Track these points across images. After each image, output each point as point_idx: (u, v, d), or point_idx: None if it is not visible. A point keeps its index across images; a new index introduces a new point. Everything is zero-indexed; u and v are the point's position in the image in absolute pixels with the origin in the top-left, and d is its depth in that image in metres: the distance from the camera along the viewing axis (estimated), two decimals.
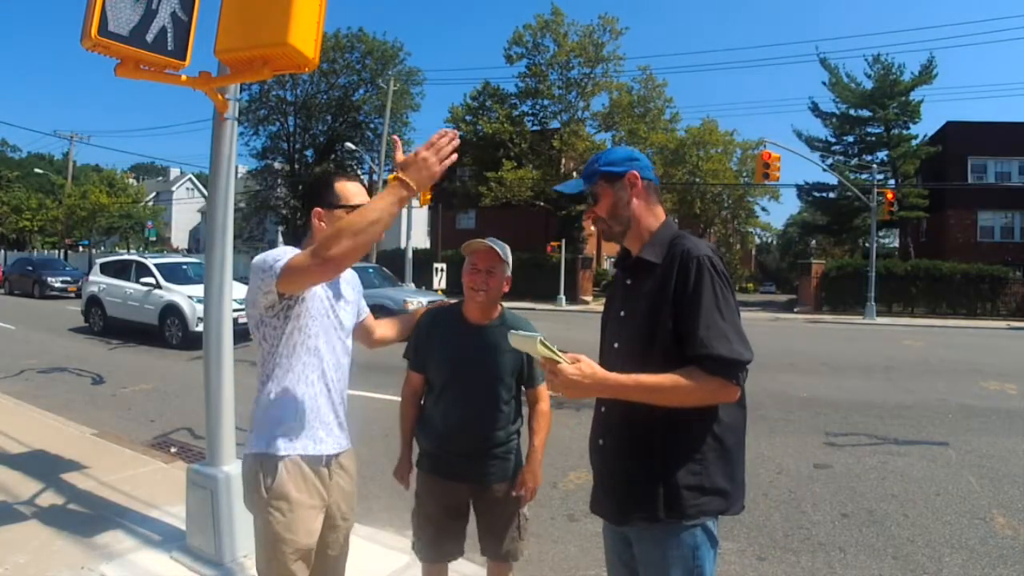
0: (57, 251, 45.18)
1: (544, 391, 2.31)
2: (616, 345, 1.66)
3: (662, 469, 1.52)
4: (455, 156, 1.63)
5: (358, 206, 1.84)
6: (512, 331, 1.51)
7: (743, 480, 1.61)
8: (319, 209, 1.92)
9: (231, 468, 3.00)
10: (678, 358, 1.48)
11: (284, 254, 1.76)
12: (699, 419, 1.51)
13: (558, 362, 1.45)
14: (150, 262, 12.59)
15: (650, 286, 1.57)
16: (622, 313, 1.67)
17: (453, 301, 2.36)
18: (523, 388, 2.31)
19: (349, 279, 2.10)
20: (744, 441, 1.61)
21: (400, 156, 1.64)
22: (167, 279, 11.90)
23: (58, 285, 22.92)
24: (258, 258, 1.83)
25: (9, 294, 24.28)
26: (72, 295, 22.06)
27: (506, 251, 2.22)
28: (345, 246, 1.54)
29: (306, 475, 1.89)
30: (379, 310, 7.11)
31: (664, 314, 1.51)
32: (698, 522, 1.52)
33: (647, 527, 1.56)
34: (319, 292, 1.90)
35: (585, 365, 1.46)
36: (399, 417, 2.35)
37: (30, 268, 24.46)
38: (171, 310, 11.43)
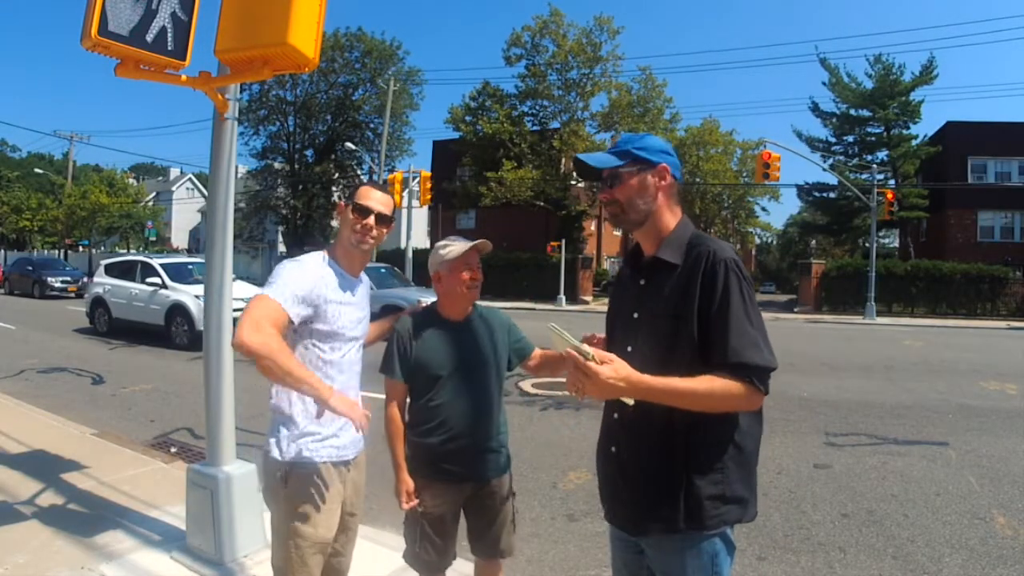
0: (57, 251, 45.16)
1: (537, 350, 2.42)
2: (630, 348, 1.59)
3: (684, 478, 1.48)
4: (361, 424, 1.86)
5: (367, 207, 1.98)
6: (553, 324, 1.50)
7: (756, 486, 1.58)
8: (342, 203, 2.04)
9: (231, 468, 3.01)
10: (701, 362, 1.44)
11: (270, 282, 1.87)
12: (720, 425, 1.48)
13: (587, 361, 1.40)
14: (156, 262, 12.30)
15: (670, 288, 1.52)
16: (636, 315, 1.60)
17: (425, 303, 2.37)
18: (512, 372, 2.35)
19: (364, 285, 2.14)
20: (759, 445, 1.57)
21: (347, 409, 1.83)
22: (173, 279, 11.80)
23: (58, 285, 22.68)
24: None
25: (9, 294, 24.01)
26: (72, 295, 21.99)
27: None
28: (263, 362, 1.70)
29: (329, 473, 1.94)
30: (392, 310, 7.10)
31: (688, 318, 1.47)
32: (718, 531, 1.49)
33: (665, 537, 1.52)
34: (337, 304, 1.93)
35: (619, 366, 1.41)
36: (389, 433, 2.23)
37: (30, 268, 24.14)
38: (177, 310, 11.33)
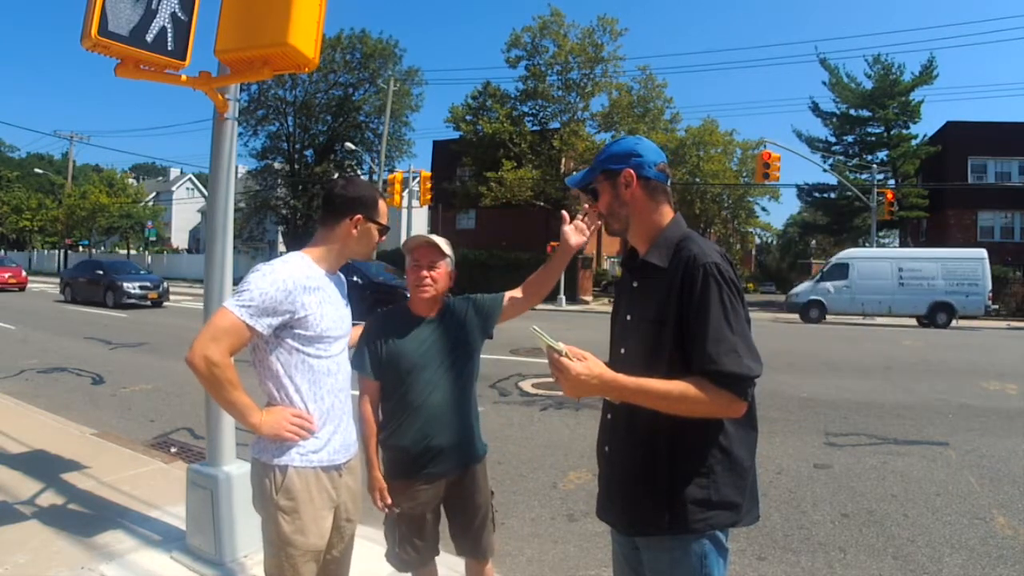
0: (57, 251, 45.21)
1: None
2: (623, 350, 1.60)
3: (667, 482, 1.48)
4: (296, 437, 1.87)
5: (387, 226, 2.07)
6: (535, 327, 1.53)
7: (756, 491, 1.56)
8: (360, 217, 1.99)
9: (231, 468, 3.00)
10: (683, 367, 1.43)
11: (238, 291, 1.84)
12: (705, 430, 1.47)
13: (560, 357, 1.42)
14: None
15: (656, 291, 1.51)
16: (628, 317, 1.61)
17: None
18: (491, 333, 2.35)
19: (342, 282, 2.12)
20: (755, 452, 1.56)
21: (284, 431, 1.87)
22: None
23: (136, 292, 18.94)
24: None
25: (71, 302, 20.07)
26: (149, 303, 18.95)
27: (445, 245, 2.26)
28: (206, 382, 1.78)
29: (320, 479, 1.91)
30: None
31: (669, 323, 1.46)
32: (706, 534, 1.48)
33: (654, 537, 1.53)
34: (319, 305, 1.90)
35: (593, 363, 1.42)
36: (361, 431, 2.21)
37: (100, 272, 20.03)
38: None
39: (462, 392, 2.24)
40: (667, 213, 1.62)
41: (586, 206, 2.00)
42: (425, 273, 2.19)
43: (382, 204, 2.06)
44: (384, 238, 2.10)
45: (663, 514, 1.48)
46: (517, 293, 2.37)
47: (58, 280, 24.52)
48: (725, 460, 1.48)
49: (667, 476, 1.48)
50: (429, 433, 2.16)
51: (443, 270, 2.23)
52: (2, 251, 45.72)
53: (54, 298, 21.54)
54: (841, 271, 20.84)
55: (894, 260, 20.85)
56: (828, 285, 20.58)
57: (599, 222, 1.94)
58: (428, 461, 2.17)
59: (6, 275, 25.03)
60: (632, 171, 1.59)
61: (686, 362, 1.44)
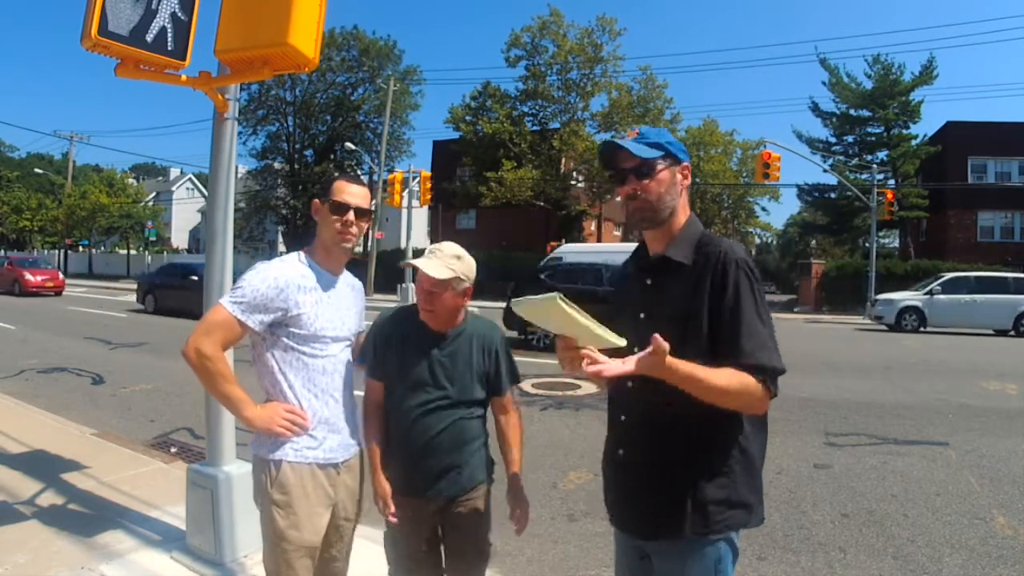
0: (57, 251, 45.20)
1: (511, 400, 2.16)
2: (637, 349, 1.55)
3: (689, 483, 1.46)
4: (288, 432, 1.88)
5: (344, 203, 1.93)
6: (520, 300, 1.32)
7: (762, 491, 1.55)
8: (317, 201, 2.00)
9: (231, 468, 3.01)
10: (710, 363, 1.40)
11: (233, 288, 1.89)
12: (726, 428, 1.45)
13: (594, 336, 1.27)
14: None
15: (679, 288, 1.49)
16: (642, 315, 1.56)
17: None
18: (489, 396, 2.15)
19: (354, 285, 2.11)
20: (765, 451, 1.55)
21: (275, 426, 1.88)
22: None
23: None
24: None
25: (154, 312, 17.11)
26: None
27: (449, 267, 1.97)
28: (199, 374, 1.83)
29: (316, 476, 1.91)
30: None
31: (698, 319, 1.44)
32: (723, 536, 1.47)
33: (671, 541, 1.50)
34: (313, 306, 1.90)
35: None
36: (364, 433, 2.10)
37: (195, 279, 16.09)
38: None
39: (466, 411, 2.05)
40: (688, 212, 1.62)
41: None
42: (426, 297, 2.00)
43: (337, 183, 1.95)
44: (364, 223, 1.98)
45: (683, 516, 1.46)
46: (500, 421, 2.17)
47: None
48: (743, 460, 1.48)
49: (687, 477, 1.46)
50: (428, 451, 2.00)
51: (446, 295, 1.99)
52: (3, 251, 45.72)
53: (128, 307, 18.62)
54: None
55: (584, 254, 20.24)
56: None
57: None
58: (415, 481, 2.03)
59: (40, 278, 22.62)
60: (689, 166, 1.61)
61: (715, 357, 1.40)
